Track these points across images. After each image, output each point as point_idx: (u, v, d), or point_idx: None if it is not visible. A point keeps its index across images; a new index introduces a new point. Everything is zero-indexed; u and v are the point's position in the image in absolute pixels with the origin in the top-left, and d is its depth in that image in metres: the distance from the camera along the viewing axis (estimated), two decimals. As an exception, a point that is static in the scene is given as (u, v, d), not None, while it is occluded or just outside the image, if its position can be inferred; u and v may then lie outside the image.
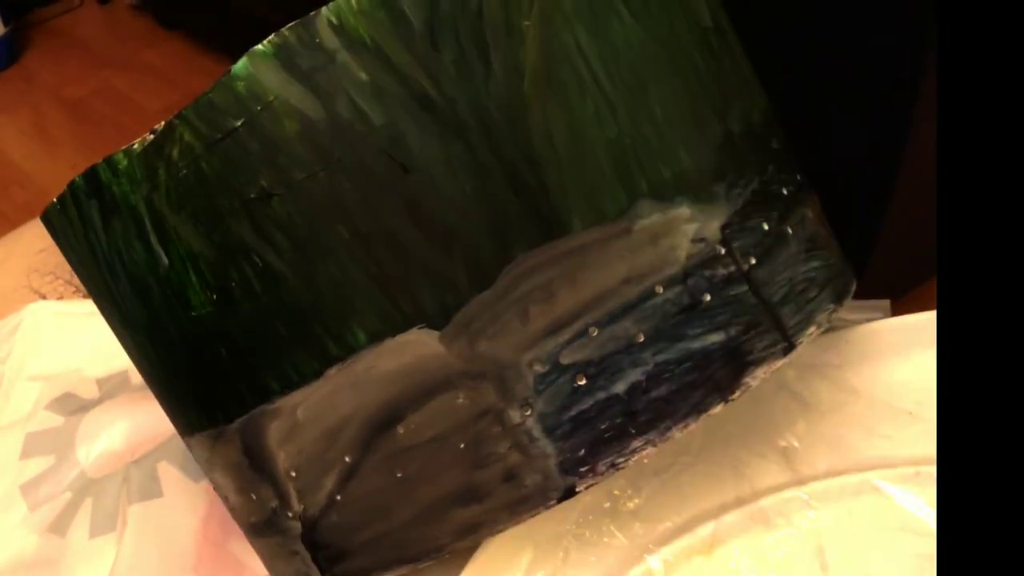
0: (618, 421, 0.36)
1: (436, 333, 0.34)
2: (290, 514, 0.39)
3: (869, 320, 0.52)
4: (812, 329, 0.39)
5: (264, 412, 0.37)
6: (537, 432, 0.35)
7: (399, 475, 0.36)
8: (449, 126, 0.33)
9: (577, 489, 0.36)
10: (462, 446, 0.36)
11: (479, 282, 0.34)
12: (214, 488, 0.43)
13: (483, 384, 0.35)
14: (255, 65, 0.32)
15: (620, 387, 0.35)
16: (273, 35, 0.32)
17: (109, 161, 0.35)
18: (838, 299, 0.41)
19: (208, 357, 0.37)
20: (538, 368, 0.35)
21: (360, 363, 0.35)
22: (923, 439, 0.45)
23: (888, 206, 0.82)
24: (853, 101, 0.79)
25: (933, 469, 0.44)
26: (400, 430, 0.36)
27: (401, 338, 0.34)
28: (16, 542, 0.50)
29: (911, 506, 0.43)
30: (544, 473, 0.36)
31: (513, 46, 0.33)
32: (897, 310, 0.52)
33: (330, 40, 0.32)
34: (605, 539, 0.45)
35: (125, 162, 0.35)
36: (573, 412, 0.35)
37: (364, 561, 0.39)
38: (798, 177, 0.42)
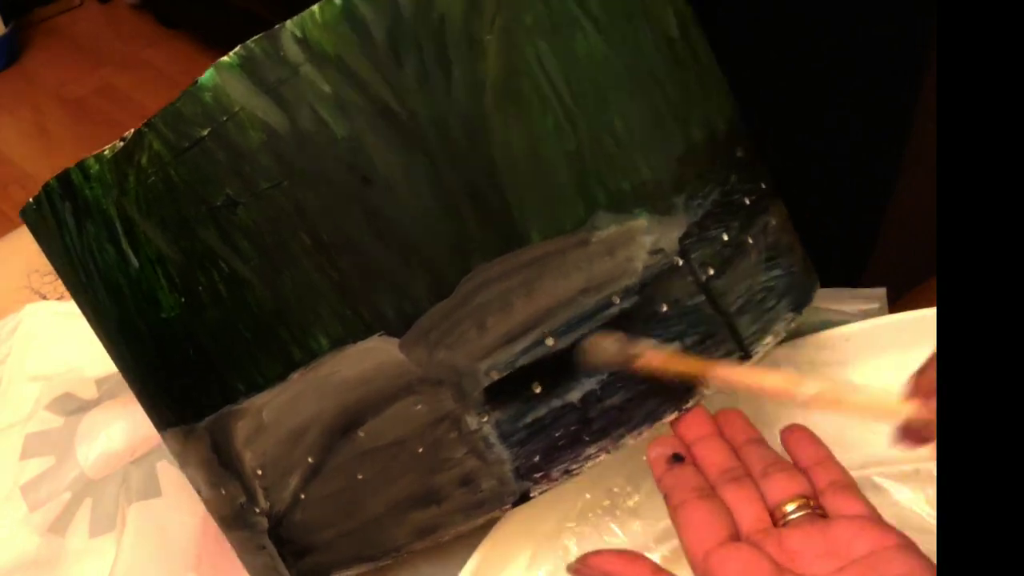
0: (572, 429, 0.37)
1: (396, 340, 0.35)
2: (257, 510, 0.40)
3: (866, 310, 0.52)
4: (769, 339, 0.40)
5: (230, 412, 0.38)
6: (493, 438, 0.36)
7: (360, 477, 0.37)
8: (410, 138, 0.34)
9: (531, 494, 0.37)
10: (420, 450, 0.37)
11: (438, 291, 0.35)
12: (189, 480, 0.44)
13: (441, 391, 0.36)
14: (221, 76, 0.33)
15: (575, 395, 0.36)
16: (239, 47, 0.33)
17: (81, 166, 0.36)
18: (797, 307, 0.42)
19: (177, 357, 0.38)
20: (495, 376, 0.36)
21: (323, 368, 0.36)
22: (923, 436, 0.45)
23: (888, 204, 0.82)
24: (853, 101, 0.79)
25: (932, 466, 0.44)
26: (360, 434, 0.37)
27: (362, 345, 0.35)
28: (16, 542, 0.50)
29: (910, 503, 0.43)
30: (500, 478, 0.37)
31: (474, 60, 0.34)
32: (897, 308, 0.52)
33: (294, 53, 0.33)
34: (605, 537, 0.45)
35: (96, 167, 0.36)
36: (528, 419, 0.36)
37: (327, 557, 0.39)
38: (762, 185, 0.42)
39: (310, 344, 0.36)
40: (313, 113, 0.33)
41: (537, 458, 0.37)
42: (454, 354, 0.35)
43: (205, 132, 0.33)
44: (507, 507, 0.37)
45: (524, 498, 0.37)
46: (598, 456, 0.37)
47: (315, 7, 0.33)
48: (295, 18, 0.33)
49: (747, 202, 0.41)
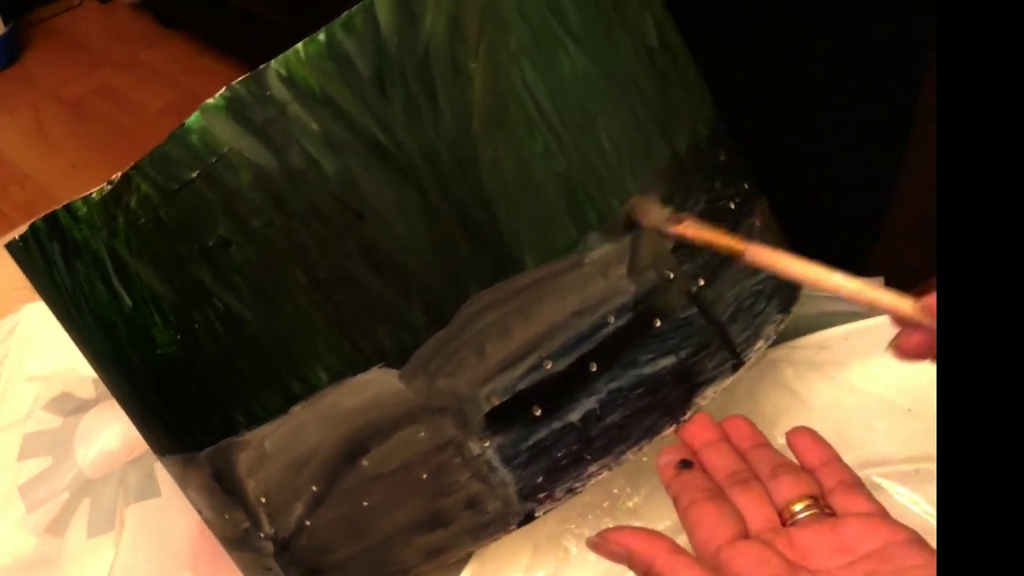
0: (574, 448, 0.37)
1: (395, 372, 0.35)
2: (262, 535, 0.40)
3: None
4: (760, 343, 0.40)
5: (232, 444, 0.38)
6: (496, 462, 0.36)
7: (365, 504, 0.37)
8: (400, 171, 0.34)
9: (536, 514, 0.37)
10: (424, 476, 0.37)
11: (436, 321, 0.35)
12: (189, 502, 0.44)
13: (443, 418, 0.36)
14: (208, 118, 0.33)
15: (575, 416, 0.37)
16: (224, 88, 0.33)
17: (68, 208, 0.36)
18: (785, 308, 0.42)
19: (175, 391, 0.38)
20: (495, 401, 0.36)
21: (323, 400, 0.36)
22: (922, 436, 0.45)
23: (888, 207, 0.81)
24: (851, 103, 0.78)
25: (932, 467, 0.44)
26: (364, 462, 0.37)
27: (362, 377, 0.35)
28: (15, 543, 0.50)
29: (911, 503, 0.43)
30: (504, 500, 0.37)
31: (461, 87, 0.34)
32: None
33: (280, 92, 0.33)
34: (605, 538, 0.45)
35: (84, 210, 0.36)
36: (530, 442, 0.37)
37: None
38: (745, 186, 0.42)
39: (309, 378, 0.36)
40: (302, 151, 0.33)
41: (540, 479, 0.37)
42: (454, 381, 0.36)
43: (194, 174, 0.33)
44: (512, 528, 0.37)
45: (529, 518, 0.37)
46: (600, 473, 0.37)
47: (299, 45, 0.32)
48: (279, 57, 0.33)
49: (732, 206, 0.41)
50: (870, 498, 0.35)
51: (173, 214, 0.34)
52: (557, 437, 0.37)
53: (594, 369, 0.37)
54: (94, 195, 0.35)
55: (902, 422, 0.46)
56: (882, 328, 0.49)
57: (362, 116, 0.33)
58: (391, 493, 0.37)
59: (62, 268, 0.38)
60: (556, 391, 0.36)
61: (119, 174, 0.34)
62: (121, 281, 0.36)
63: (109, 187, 0.35)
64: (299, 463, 0.37)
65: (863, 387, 0.48)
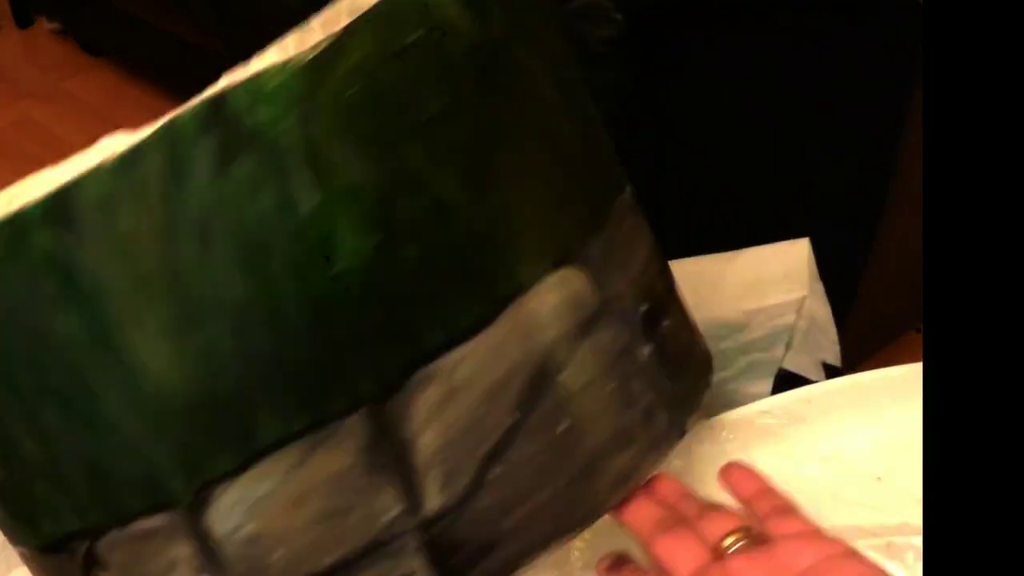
0: (693, 359, 0.41)
1: (584, 268, 0.35)
2: (418, 518, 0.33)
3: (785, 301, 0.55)
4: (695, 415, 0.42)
5: (415, 382, 0.32)
6: (656, 369, 0.38)
7: (559, 430, 0.35)
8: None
9: (687, 427, 0.39)
10: (612, 387, 0.36)
11: (600, 216, 0.37)
12: (221, 563, 0.33)
13: (619, 321, 0.36)
14: None
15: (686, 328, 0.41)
16: None
17: (250, 84, 0.30)
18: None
19: (345, 327, 0.32)
20: (644, 307, 0.38)
21: (525, 305, 0.34)
22: (892, 506, 0.44)
23: (870, 255, 0.82)
24: (837, 144, 0.79)
25: (903, 539, 0.42)
26: (561, 377, 0.35)
27: (556, 275, 0.34)
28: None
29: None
30: (669, 409, 0.38)
31: None
32: (885, 354, 0.52)
33: None
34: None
35: (277, 80, 0.30)
36: (669, 351, 0.39)
37: (513, 548, 0.35)
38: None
39: (519, 274, 0.33)
40: None
41: (681, 389, 0.39)
42: (620, 281, 0.37)
43: (417, 34, 0.31)
44: (676, 442, 0.39)
45: (683, 432, 0.39)
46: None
47: None
48: None
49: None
50: (803, 518, 0.35)
51: (391, 80, 0.31)
52: (685, 345, 0.40)
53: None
54: (294, 59, 0.30)
55: (871, 491, 0.45)
56: (845, 390, 0.49)
57: None
58: (585, 411, 0.35)
59: (204, 178, 0.30)
60: (671, 304, 0.40)
61: (325, 36, 0.30)
62: (308, 175, 0.31)
63: (315, 51, 0.30)
64: (496, 390, 0.33)
65: (829, 454, 0.46)
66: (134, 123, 0.31)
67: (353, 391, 0.32)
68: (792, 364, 0.57)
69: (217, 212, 0.30)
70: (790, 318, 0.56)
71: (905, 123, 0.74)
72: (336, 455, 0.32)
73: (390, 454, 0.33)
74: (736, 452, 0.48)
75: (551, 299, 0.34)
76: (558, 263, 0.34)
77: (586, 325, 0.35)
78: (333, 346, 0.32)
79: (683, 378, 0.39)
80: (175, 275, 0.31)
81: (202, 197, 0.30)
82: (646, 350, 0.37)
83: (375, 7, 0.31)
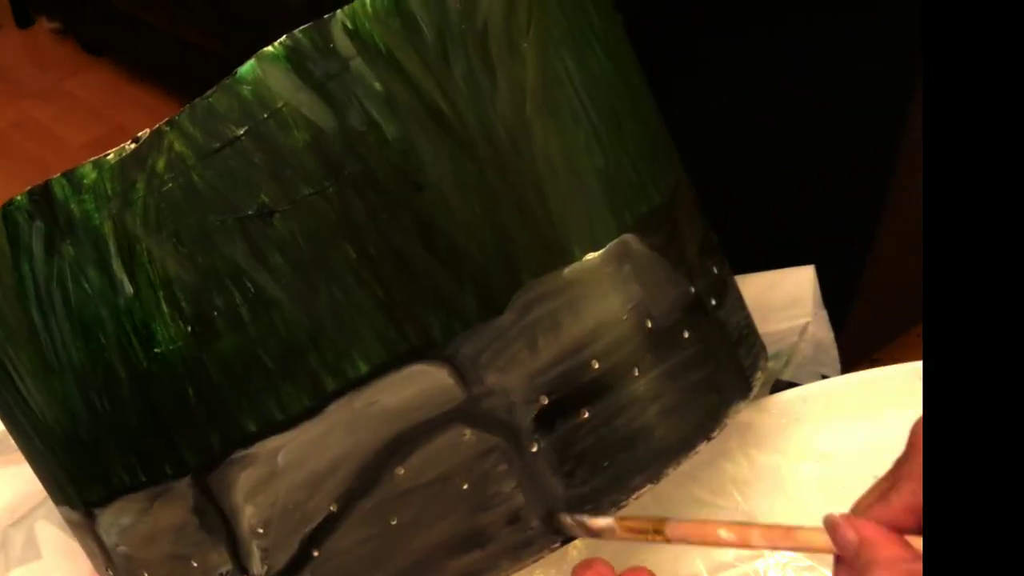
0: (619, 458, 0.35)
1: (444, 365, 0.33)
2: None
3: (790, 328, 0.54)
4: (759, 373, 0.41)
5: (234, 461, 0.34)
6: (544, 468, 0.34)
7: (393, 522, 0.34)
8: (460, 143, 0.32)
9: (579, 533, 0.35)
10: (466, 487, 0.34)
11: (488, 309, 0.33)
12: (115, 565, 0.39)
13: (490, 418, 0.34)
14: (264, 68, 0.30)
15: (620, 420, 0.35)
16: (284, 37, 0.30)
17: (71, 176, 0.32)
18: (766, 351, 0.44)
19: (167, 402, 0.34)
20: (544, 401, 0.34)
21: (359, 399, 0.33)
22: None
23: (869, 255, 0.82)
24: (837, 144, 0.79)
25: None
26: (400, 471, 0.34)
27: (407, 370, 0.33)
28: None
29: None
30: (549, 513, 0.35)
31: (515, 66, 0.33)
32: (884, 355, 0.52)
33: (345, 46, 0.31)
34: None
35: (93, 175, 0.32)
36: (578, 448, 0.35)
37: None
38: (714, 236, 0.44)
39: (346, 370, 0.33)
40: (363, 112, 0.31)
41: (587, 489, 0.35)
42: (506, 377, 0.33)
43: (241, 131, 0.31)
44: (556, 546, 0.35)
45: (573, 536, 0.35)
46: (643, 487, 0.36)
47: None
48: (345, 9, 0.31)
49: (717, 242, 0.42)
50: None
51: (210, 177, 0.31)
52: (604, 443, 0.35)
53: (636, 374, 0.35)
54: (110, 157, 0.31)
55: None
56: (841, 389, 0.49)
57: (425, 80, 0.32)
58: (426, 508, 0.34)
59: (38, 255, 0.33)
60: (602, 392, 0.35)
61: (146, 131, 0.31)
62: (124, 264, 0.32)
63: (132, 146, 0.31)
64: (318, 478, 0.33)
65: (832, 452, 0.47)
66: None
67: (179, 459, 0.35)
68: (790, 376, 0.58)
69: (53, 287, 0.33)
70: (792, 340, 0.57)
71: (905, 123, 0.74)
72: (172, 510, 0.35)
73: (218, 518, 0.35)
74: (735, 451, 0.48)
75: (394, 395, 0.33)
76: (407, 359, 0.33)
77: (439, 421, 0.33)
78: (158, 417, 0.34)
79: (595, 479, 0.35)
80: (32, 330, 0.35)
81: (40, 271, 0.33)
82: (534, 447, 0.34)
83: (200, 100, 0.31)
